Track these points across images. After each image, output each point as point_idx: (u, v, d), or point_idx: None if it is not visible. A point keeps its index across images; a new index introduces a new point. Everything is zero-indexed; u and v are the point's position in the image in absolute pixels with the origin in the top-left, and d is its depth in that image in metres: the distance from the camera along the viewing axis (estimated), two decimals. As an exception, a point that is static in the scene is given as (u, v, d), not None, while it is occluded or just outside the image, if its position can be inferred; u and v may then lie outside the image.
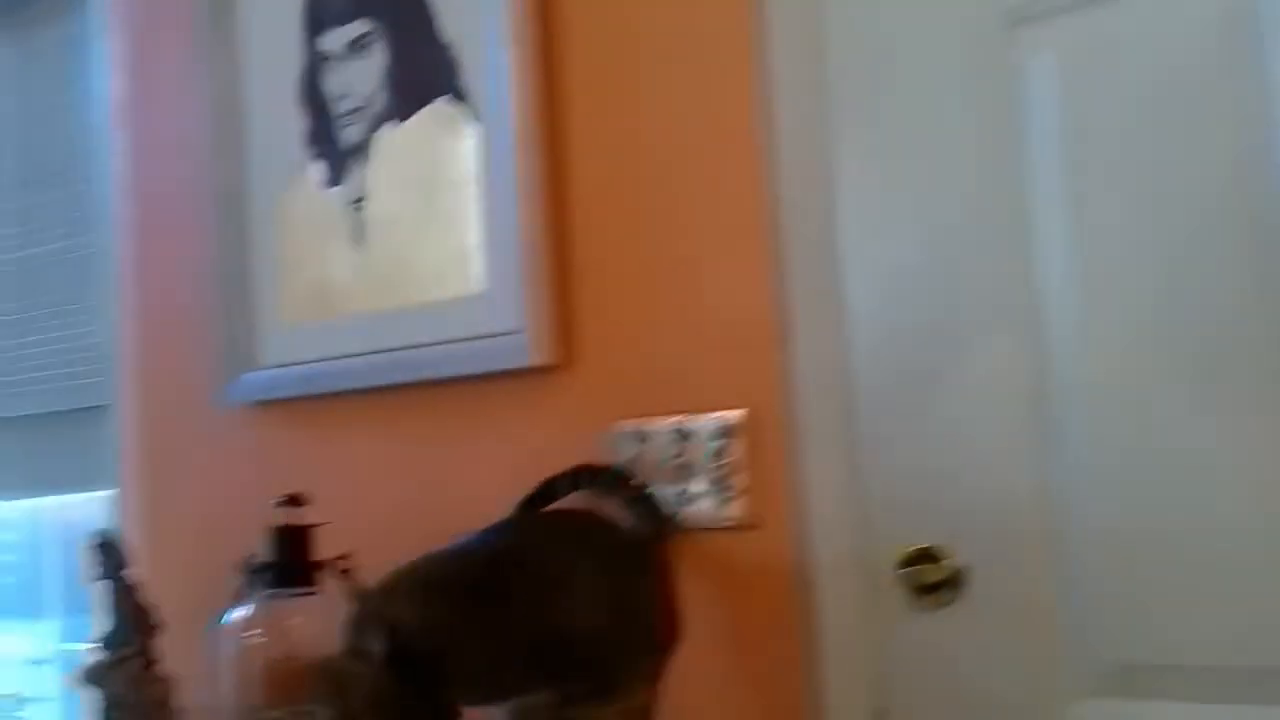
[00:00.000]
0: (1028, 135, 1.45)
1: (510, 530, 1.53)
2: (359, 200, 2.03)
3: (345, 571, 1.82)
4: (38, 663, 2.82)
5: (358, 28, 2.05)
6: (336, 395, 2.07)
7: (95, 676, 2.00)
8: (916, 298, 1.52)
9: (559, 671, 1.39)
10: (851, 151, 1.57)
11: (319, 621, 1.84)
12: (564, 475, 1.73)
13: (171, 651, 2.05)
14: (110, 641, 2.01)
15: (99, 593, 2.06)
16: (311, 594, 1.82)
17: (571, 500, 1.73)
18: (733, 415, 1.65)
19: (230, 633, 1.83)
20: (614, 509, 1.68)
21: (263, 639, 1.80)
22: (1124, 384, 1.39)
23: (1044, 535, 1.43)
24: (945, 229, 1.50)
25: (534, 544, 1.48)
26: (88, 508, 2.53)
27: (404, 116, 1.99)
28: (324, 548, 1.83)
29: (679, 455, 1.69)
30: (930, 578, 1.49)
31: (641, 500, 1.68)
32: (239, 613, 1.83)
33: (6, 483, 2.62)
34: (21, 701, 2.66)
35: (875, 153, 1.56)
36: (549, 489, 1.73)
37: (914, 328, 1.53)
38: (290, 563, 1.80)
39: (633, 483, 1.70)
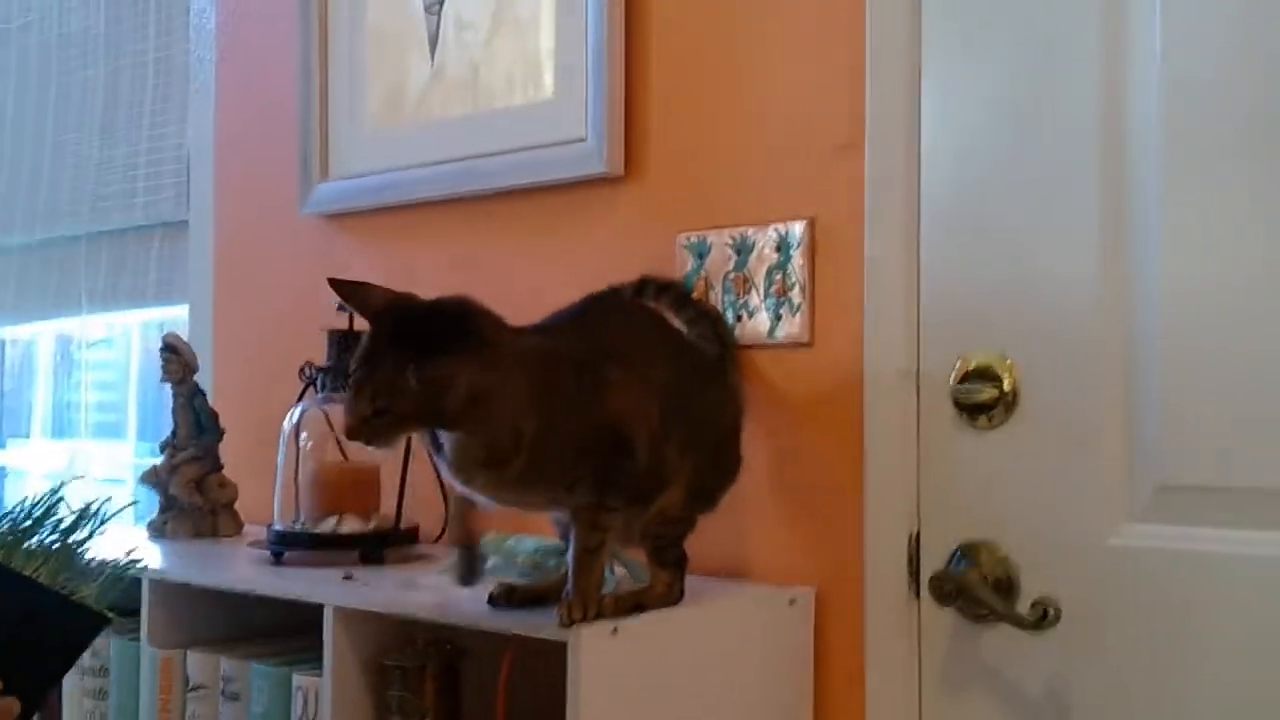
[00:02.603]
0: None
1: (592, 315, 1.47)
2: (437, 3, 1.97)
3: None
4: (113, 481, 2.86)
5: None
6: (405, 207, 2.02)
7: (155, 479, 2.00)
8: (995, 119, 1.44)
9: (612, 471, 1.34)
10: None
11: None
12: (627, 285, 1.65)
13: (235, 455, 2.06)
14: (173, 445, 2.02)
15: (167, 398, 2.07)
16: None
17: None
18: (796, 226, 1.57)
19: (287, 436, 1.83)
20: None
21: (316, 442, 1.79)
22: (1202, 207, 1.30)
23: (1101, 356, 1.36)
24: (1033, 55, 1.42)
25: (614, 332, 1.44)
26: (170, 325, 2.54)
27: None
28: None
29: (740, 268, 1.62)
30: (982, 397, 1.43)
31: (705, 319, 1.60)
32: (296, 416, 1.81)
33: (91, 295, 2.64)
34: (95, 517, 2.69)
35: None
36: (611, 295, 1.65)
37: (987, 146, 1.44)
38: (346, 367, 1.77)
39: (696, 300, 1.62)
